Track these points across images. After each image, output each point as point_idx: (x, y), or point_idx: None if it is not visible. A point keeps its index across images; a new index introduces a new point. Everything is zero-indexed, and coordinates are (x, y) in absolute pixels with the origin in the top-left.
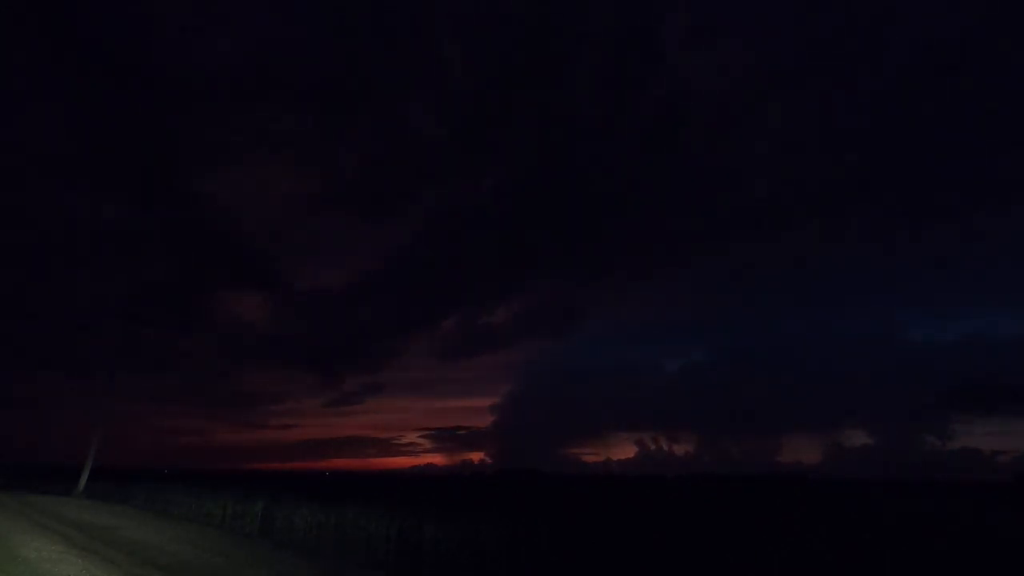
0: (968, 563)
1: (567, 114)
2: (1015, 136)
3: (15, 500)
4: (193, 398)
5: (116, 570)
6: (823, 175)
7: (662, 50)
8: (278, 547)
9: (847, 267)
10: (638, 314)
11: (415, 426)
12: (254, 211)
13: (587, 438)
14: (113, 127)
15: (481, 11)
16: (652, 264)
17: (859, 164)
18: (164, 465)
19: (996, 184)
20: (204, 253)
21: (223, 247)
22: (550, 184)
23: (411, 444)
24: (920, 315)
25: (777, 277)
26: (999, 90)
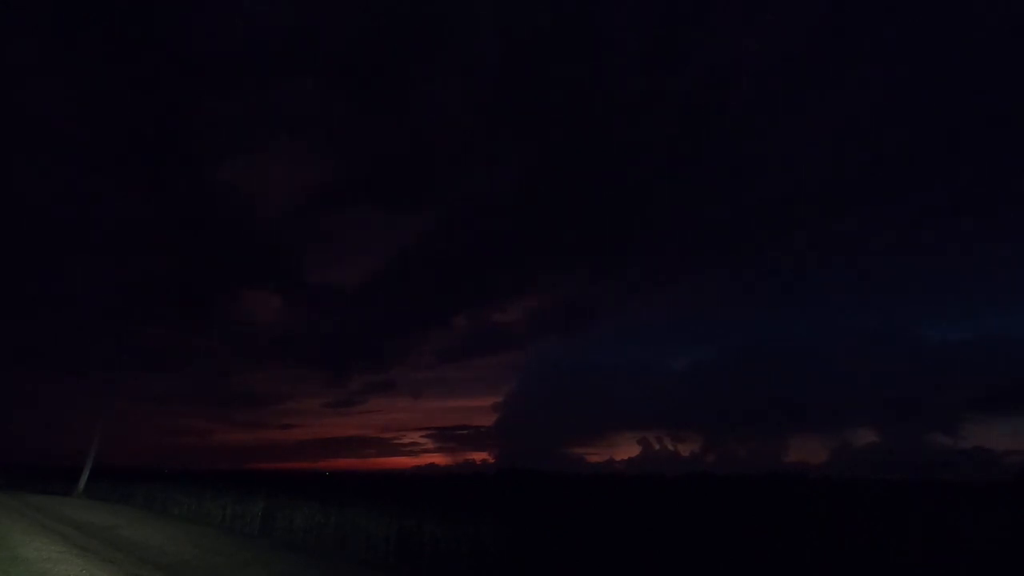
0: (963, 563)
1: (598, 99)
2: None
3: (15, 500)
4: (195, 397)
5: (116, 570)
6: (834, 172)
7: (706, 22)
8: (278, 547)
9: (860, 264)
10: (646, 312)
11: (419, 425)
12: (267, 202)
13: (592, 437)
14: (120, 107)
15: None
16: (667, 263)
17: (875, 160)
18: (164, 465)
19: (1018, 180)
20: (213, 246)
21: (233, 240)
22: (573, 174)
23: (412, 444)
24: (937, 314)
25: (787, 274)
26: None
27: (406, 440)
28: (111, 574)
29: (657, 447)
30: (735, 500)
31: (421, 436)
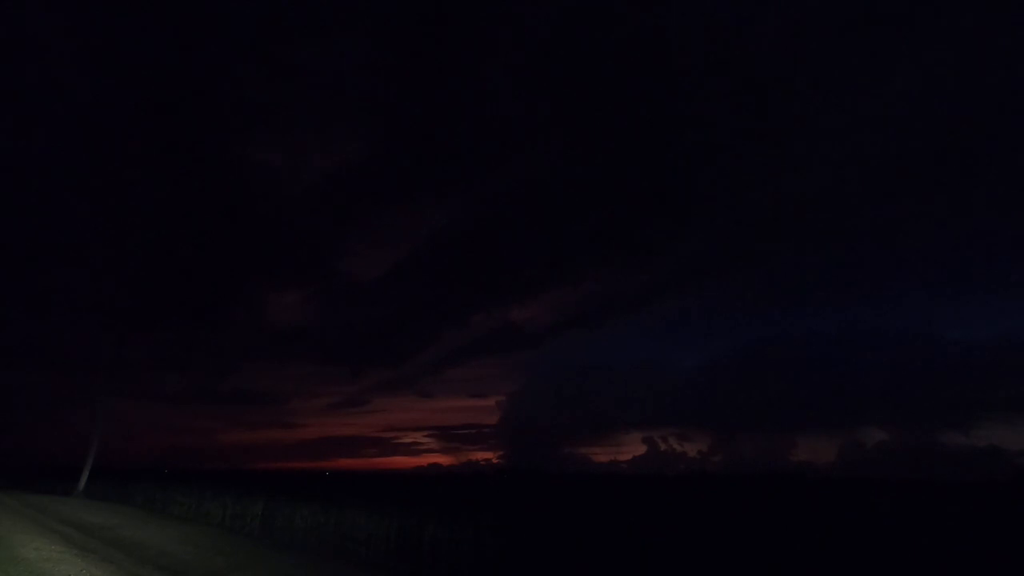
0: (963, 563)
1: (649, 73)
2: None
3: (15, 500)
4: (197, 397)
5: (116, 570)
6: (849, 174)
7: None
8: (278, 547)
9: (874, 264)
10: (659, 311)
11: (424, 424)
12: (281, 192)
13: (598, 436)
14: (131, 73)
15: None
16: (680, 264)
17: (893, 162)
18: (164, 465)
19: None
20: (229, 234)
21: (253, 227)
22: (593, 173)
23: (414, 443)
24: (953, 314)
25: (800, 273)
26: None
27: (408, 440)
28: (111, 574)
29: (663, 447)
30: (737, 500)
31: (424, 436)
